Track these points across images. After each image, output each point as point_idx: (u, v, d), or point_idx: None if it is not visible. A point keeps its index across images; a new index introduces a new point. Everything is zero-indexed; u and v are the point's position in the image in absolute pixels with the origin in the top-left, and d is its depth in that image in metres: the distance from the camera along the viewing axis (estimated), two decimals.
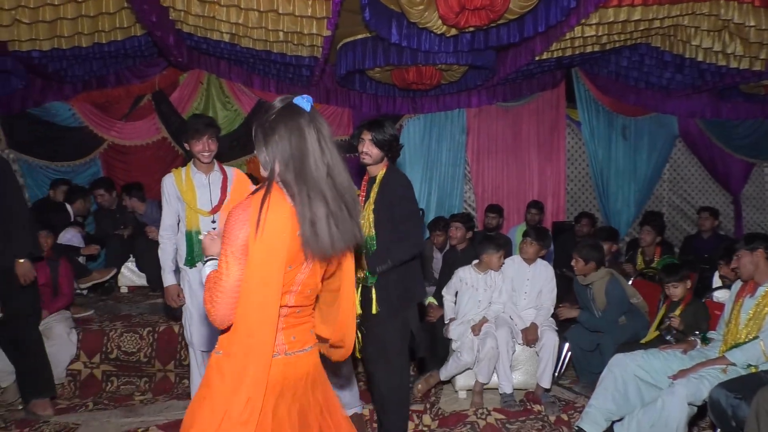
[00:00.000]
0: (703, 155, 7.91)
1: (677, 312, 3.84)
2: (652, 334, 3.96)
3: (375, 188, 3.10)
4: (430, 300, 4.71)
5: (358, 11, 4.60)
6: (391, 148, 3.09)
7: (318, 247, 1.69)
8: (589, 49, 5.73)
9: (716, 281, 4.67)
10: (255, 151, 1.74)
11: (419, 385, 4.20)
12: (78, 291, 5.29)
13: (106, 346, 4.33)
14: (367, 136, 3.08)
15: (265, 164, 1.73)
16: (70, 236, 5.41)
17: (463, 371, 4.17)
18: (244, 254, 1.65)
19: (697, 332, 3.62)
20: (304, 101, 1.73)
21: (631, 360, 3.49)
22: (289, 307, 1.83)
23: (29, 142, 6.30)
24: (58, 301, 4.32)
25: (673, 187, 8.06)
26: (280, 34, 4.89)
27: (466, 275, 4.35)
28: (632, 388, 3.45)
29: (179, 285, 3.42)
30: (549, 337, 4.18)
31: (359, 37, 5.47)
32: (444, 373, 4.19)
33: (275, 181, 1.71)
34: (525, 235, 4.44)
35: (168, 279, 3.38)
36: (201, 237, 2.58)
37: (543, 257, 4.56)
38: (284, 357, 1.80)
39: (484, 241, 4.35)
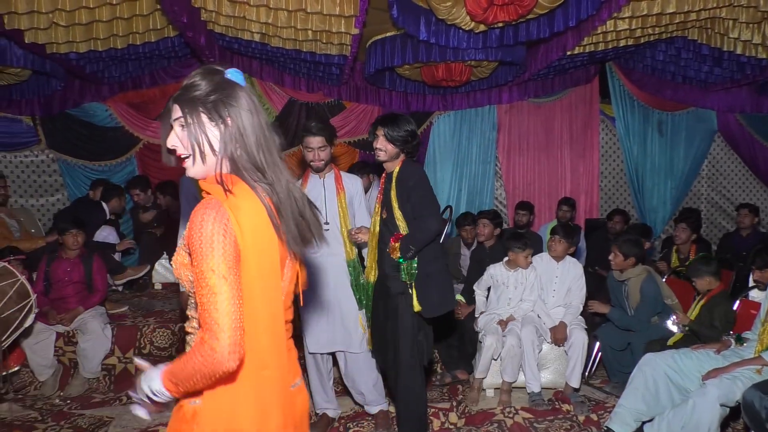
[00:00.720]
0: (744, 151, 7.68)
1: (698, 305, 3.78)
2: (678, 335, 3.89)
3: (393, 185, 3.15)
4: (458, 297, 4.70)
5: (385, 9, 4.62)
6: (406, 144, 3.12)
7: (297, 238, 1.44)
8: (622, 44, 5.62)
9: (752, 280, 4.54)
10: (190, 138, 1.38)
11: (475, 396, 4.17)
12: (113, 287, 5.45)
13: (140, 341, 4.45)
14: (380, 132, 3.12)
15: (200, 150, 1.38)
16: (106, 234, 5.57)
17: (491, 361, 4.15)
18: (231, 268, 1.27)
19: (731, 332, 3.53)
20: (238, 75, 1.46)
21: (662, 360, 3.43)
22: (287, 322, 1.49)
23: (68, 143, 6.51)
24: (92, 297, 4.45)
25: (712, 184, 7.86)
26: (309, 33, 4.93)
27: (497, 272, 4.34)
28: (663, 388, 3.39)
29: None
30: (578, 336, 4.13)
31: (388, 34, 5.48)
32: (478, 370, 4.18)
33: (226, 171, 1.39)
34: (553, 232, 4.40)
35: None
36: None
37: (572, 254, 4.52)
38: (295, 388, 1.50)
39: (510, 239, 4.33)
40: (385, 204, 3.24)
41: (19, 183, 6.56)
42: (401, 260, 3.10)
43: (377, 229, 3.30)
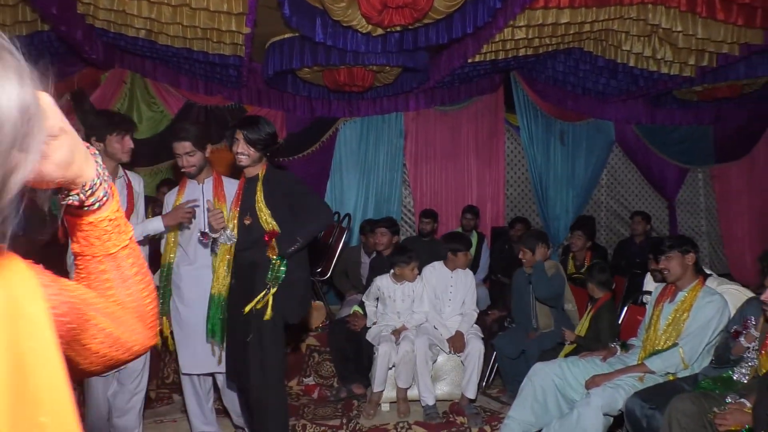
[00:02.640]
0: (640, 161, 7.98)
1: (588, 316, 3.80)
2: (569, 347, 3.87)
3: (259, 187, 2.97)
4: (356, 308, 4.53)
5: (277, 7, 4.40)
6: (267, 147, 2.96)
7: None
8: (522, 53, 5.66)
9: (648, 283, 4.62)
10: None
11: (370, 411, 3.99)
12: None
13: None
14: (240, 136, 2.94)
15: None
16: None
17: (387, 371, 3.99)
18: None
19: (618, 339, 3.54)
20: None
21: (550, 369, 3.39)
22: None
23: None
24: None
25: (611, 192, 8.11)
26: (198, 30, 4.63)
27: (383, 284, 4.21)
28: (551, 398, 3.34)
29: None
30: (474, 345, 4.06)
31: (286, 36, 5.26)
32: (375, 382, 4.01)
33: None
34: (452, 249, 4.29)
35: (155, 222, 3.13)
36: None
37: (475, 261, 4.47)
38: None
39: (395, 253, 4.22)
40: (247, 210, 3.02)
41: None
42: (278, 258, 2.89)
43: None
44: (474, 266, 6.07)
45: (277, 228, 2.91)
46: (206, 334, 3.11)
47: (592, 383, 3.18)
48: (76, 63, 5.93)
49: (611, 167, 8.07)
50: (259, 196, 2.94)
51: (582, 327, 3.92)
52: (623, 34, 5.29)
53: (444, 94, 7.13)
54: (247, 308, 2.88)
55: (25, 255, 0.75)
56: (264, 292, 2.90)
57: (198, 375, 3.41)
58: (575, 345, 3.88)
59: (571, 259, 5.36)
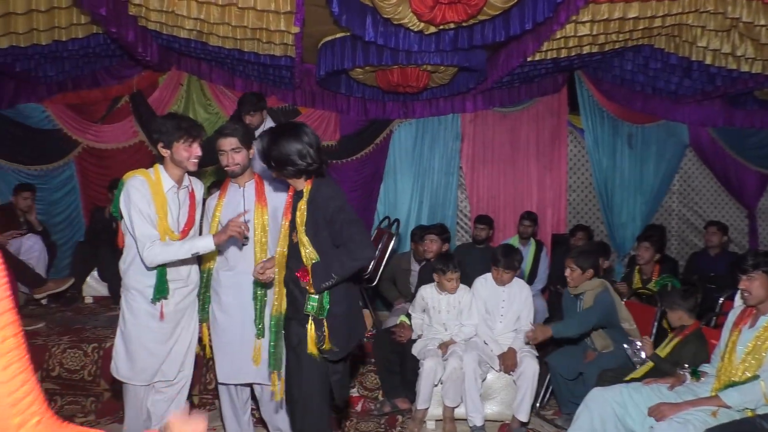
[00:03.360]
0: (716, 166, 7.39)
1: (671, 343, 3.40)
2: (644, 368, 3.47)
3: (302, 206, 2.65)
4: (402, 319, 4.32)
5: (326, 6, 4.26)
6: (307, 161, 2.68)
7: None
8: (586, 50, 5.32)
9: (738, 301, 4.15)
10: None
11: (414, 429, 3.78)
12: (40, 301, 5.04)
13: (48, 362, 4.03)
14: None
15: None
16: (30, 243, 5.14)
17: (432, 388, 3.77)
18: None
19: (686, 365, 3.17)
20: None
21: (610, 395, 3.06)
22: None
23: (1, 145, 6.05)
24: None
25: (684, 200, 7.55)
26: (247, 30, 4.57)
27: (427, 294, 3.99)
28: (611, 427, 3.02)
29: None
30: (528, 365, 3.77)
31: (338, 35, 5.13)
32: (419, 399, 3.79)
33: None
34: (494, 262, 4.00)
35: (207, 241, 2.87)
36: None
37: (534, 273, 4.17)
38: None
39: (437, 261, 3.96)
40: (294, 228, 2.68)
41: None
42: (312, 297, 2.58)
43: (285, 254, 2.82)
44: (531, 276, 5.77)
45: (314, 258, 2.58)
46: (269, 363, 2.87)
47: (657, 412, 2.83)
48: (135, 66, 6.02)
49: (684, 172, 7.52)
50: (300, 221, 2.61)
51: (662, 352, 3.50)
52: (699, 29, 4.86)
53: (503, 94, 6.83)
54: (311, 348, 2.62)
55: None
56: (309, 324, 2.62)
57: (235, 385, 3.29)
58: (649, 367, 3.47)
59: (638, 272, 4.96)
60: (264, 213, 3.16)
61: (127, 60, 5.90)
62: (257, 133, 4.28)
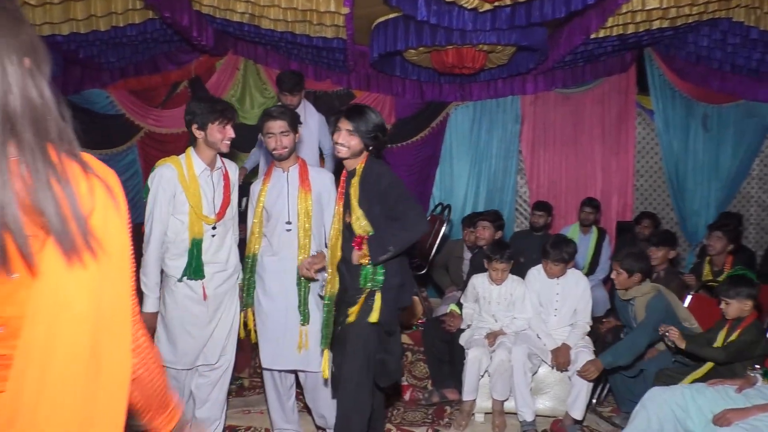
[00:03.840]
0: None
1: (733, 337, 3.15)
2: (704, 368, 3.24)
3: (355, 183, 2.73)
4: (452, 308, 4.22)
5: None
6: (372, 140, 2.71)
7: None
8: (656, 25, 4.97)
9: None
10: None
11: (462, 421, 3.70)
12: None
13: None
14: (344, 125, 2.71)
15: None
16: None
17: (478, 379, 3.66)
18: None
19: (757, 366, 2.93)
20: None
21: (669, 396, 2.88)
22: None
23: None
24: None
25: (764, 186, 7.04)
26: (298, 12, 4.53)
27: (478, 282, 3.86)
28: (669, 430, 2.83)
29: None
30: (584, 361, 3.59)
31: (391, 16, 5.01)
32: (465, 390, 3.70)
33: None
34: (544, 253, 3.80)
35: (150, 304, 2.94)
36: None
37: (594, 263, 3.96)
38: None
39: (488, 248, 3.81)
40: (348, 206, 2.82)
41: None
42: (367, 266, 2.68)
43: (339, 234, 2.87)
44: (593, 265, 5.53)
45: (369, 231, 2.69)
46: (321, 340, 2.96)
47: (722, 419, 2.64)
48: (193, 51, 6.10)
49: (766, 156, 7.00)
50: (354, 194, 2.73)
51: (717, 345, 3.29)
52: None
53: (566, 74, 6.53)
54: (351, 316, 2.74)
55: None
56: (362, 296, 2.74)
57: (279, 371, 3.30)
58: (709, 367, 3.25)
59: (708, 264, 4.64)
60: (308, 198, 3.13)
61: (184, 45, 5.98)
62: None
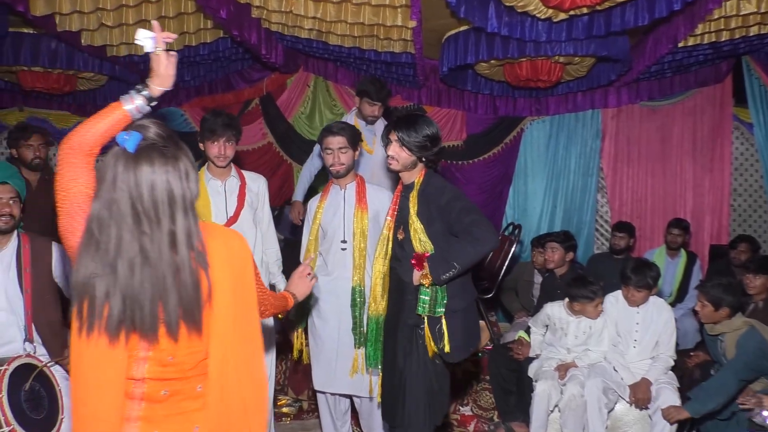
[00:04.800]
0: None
1: None
2: None
3: (414, 197, 2.62)
4: (521, 335, 4.02)
5: None
6: (423, 151, 2.61)
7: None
8: (753, 31, 4.62)
9: None
10: None
11: None
12: None
13: None
14: (394, 137, 2.62)
15: None
16: None
17: (547, 413, 3.45)
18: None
19: None
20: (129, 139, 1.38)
21: None
22: (139, 380, 1.44)
23: None
24: None
25: None
26: (365, 27, 4.52)
27: (554, 314, 3.63)
28: None
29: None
30: (667, 398, 3.33)
31: (462, 29, 4.92)
32: (532, 425, 3.50)
33: None
34: (623, 279, 3.53)
35: None
36: None
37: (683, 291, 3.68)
38: None
39: (576, 284, 3.54)
40: (402, 222, 2.72)
41: None
42: (427, 289, 2.55)
43: (389, 252, 2.78)
44: (681, 292, 5.17)
45: (429, 248, 2.56)
46: (367, 359, 2.88)
47: None
48: (264, 69, 6.25)
49: None
50: (413, 209, 2.61)
51: None
52: None
53: (652, 86, 6.19)
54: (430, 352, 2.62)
55: None
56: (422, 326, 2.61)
57: (332, 394, 3.23)
58: None
59: None
60: (364, 217, 3.07)
61: (256, 63, 6.14)
62: (375, 128, 4.22)
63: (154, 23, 1.74)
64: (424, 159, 2.64)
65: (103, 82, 5.80)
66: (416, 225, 2.58)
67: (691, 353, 4.07)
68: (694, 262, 5.27)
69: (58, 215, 1.47)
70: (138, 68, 5.47)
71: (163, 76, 1.74)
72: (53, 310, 2.74)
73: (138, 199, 1.35)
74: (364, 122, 4.23)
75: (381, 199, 3.16)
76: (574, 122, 6.45)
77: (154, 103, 1.73)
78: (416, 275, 2.57)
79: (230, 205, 3.06)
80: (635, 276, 3.43)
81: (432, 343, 2.57)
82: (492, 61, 5.03)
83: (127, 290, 1.35)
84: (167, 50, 1.74)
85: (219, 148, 2.98)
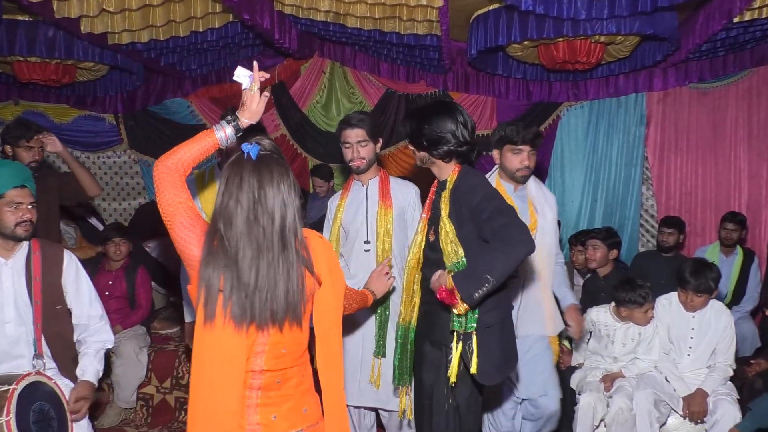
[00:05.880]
0: None
1: None
2: None
3: (446, 196, 2.59)
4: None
5: None
6: (435, 148, 2.57)
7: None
8: None
9: None
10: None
11: None
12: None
13: (177, 369, 4.30)
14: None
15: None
16: None
17: (593, 428, 3.43)
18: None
19: None
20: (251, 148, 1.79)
21: None
22: (257, 372, 1.78)
23: (149, 142, 6.69)
24: (132, 315, 4.38)
25: None
26: (386, 8, 4.52)
27: (600, 319, 3.60)
28: None
29: None
30: (725, 411, 3.30)
31: (492, 7, 4.89)
32: None
33: None
34: (680, 281, 3.47)
35: (188, 314, 3.12)
36: None
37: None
38: None
39: (624, 285, 3.50)
40: (434, 223, 2.69)
41: (102, 185, 6.80)
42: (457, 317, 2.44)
43: (420, 255, 2.75)
44: (737, 294, 5.11)
45: (461, 254, 2.47)
46: (393, 374, 2.84)
47: None
48: (276, 55, 6.28)
49: None
50: (444, 210, 2.55)
51: None
52: None
53: (702, 66, 6.10)
54: (452, 376, 2.48)
55: None
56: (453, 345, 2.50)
57: (356, 407, 3.24)
58: None
59: None
60: (388, 215, 3.07)
61: (268, 49, 6.16)
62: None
63: (255, 64, 2.07)
64: (444, 155, 2.57)
65: (103, 72, 5.87)
66: (447, 227, 2.52)
67: (752, 361, 4.02)
68: (751, 260, 5.21)
69: (169, 230, 1.78)
70: (141, 57, 5.53)
71: (254, 111, 2.04)
72: (64, 322, 2.74)
73: (259, 201, 1.72)
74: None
75: (407, 195, 3.16)
76: (615, 108, 6.39)
77: (240, 134, 2.01)
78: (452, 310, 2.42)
79: None
80: (695, 279, 3.37)
81: (456, 367, 2.46)
82: (525, 42, 4.98)
83: (248, 284, 1.70)
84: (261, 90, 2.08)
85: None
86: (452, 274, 2.38)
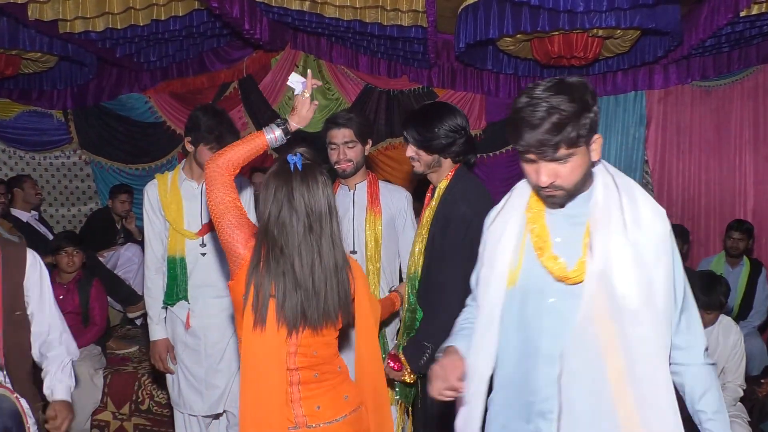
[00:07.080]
0: None
1: None
2: None
3: (433, 206, 2.66)
4: None
5: None
6: (444, 149, 2.62)
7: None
8: None
9: None
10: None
11: None
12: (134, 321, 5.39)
13: (137, 393, 4.26)
14: (409, 135, 2.67)
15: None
16: (130, 254, 5.50)
17: None
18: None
19: None
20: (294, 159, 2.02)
21: None
22: (294, 369, 2.05)
23: (102, 141, 6.65)
24: (86, 333, 4.33)
25: None
26: None
27: None
28: None
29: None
30: None
31: None
32: None
33: None
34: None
35: (157, 331, 3.16)
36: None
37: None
38: (305, 430, 2.05)
39: None
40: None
41: (49, 189, 6.78)
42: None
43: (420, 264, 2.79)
44: (744, 308, 5.21)
45: (418, 270, 2.66)
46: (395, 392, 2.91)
47: None
48: (245, 47, 6.28)
49: None
50: (427, 221, 2.65)
51: None
52: None
53: (706, 63, 6.26)
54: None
55: None
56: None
57: None
58: None
59: None
60: (377, 222, 3.09)
61: (235, 40, 6.17)
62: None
63: (309, 72, 2.34)
64: (449, 156, 2.65)
65: (52, 63, 5.81)
66: (423, 237, 2.66)
67: (762, 380, 4.11)
68: (759, 271, 5.32)
69: (216, 228, 2.04)
70: (95, 47, 5.49)
71: (303, 117, 2.26)
72: (23, 329, 2.60)
73: (310, 207, 1.97)
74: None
75: (397, 201, 3.18)
76: (613, 106, 6.52)
77: (288, 137, 2.24)
78: (394, 375, 2.62)
79: (206, 211, 3.08)
80: (704, 296, 3.41)
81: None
82: (518, 36, 5.06)
83: (304, 288, 1.97)
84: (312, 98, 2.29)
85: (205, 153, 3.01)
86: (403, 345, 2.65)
